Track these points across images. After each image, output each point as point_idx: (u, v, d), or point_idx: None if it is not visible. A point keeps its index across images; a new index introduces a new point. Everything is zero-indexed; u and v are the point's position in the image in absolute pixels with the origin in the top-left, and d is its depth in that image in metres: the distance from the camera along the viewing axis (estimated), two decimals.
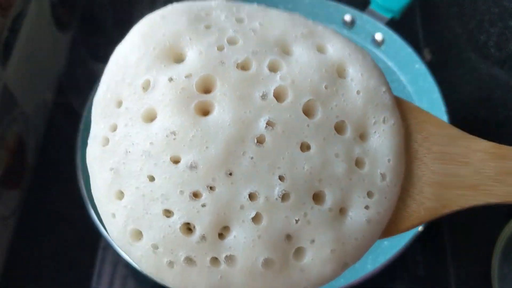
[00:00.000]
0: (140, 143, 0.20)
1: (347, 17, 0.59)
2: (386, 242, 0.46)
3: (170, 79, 0.20)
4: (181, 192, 0.19)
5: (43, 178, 0.54)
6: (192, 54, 0.21)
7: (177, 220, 0.19)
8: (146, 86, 0.21)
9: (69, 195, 0.51)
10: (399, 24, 0.59)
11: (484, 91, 0.55)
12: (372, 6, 0.59)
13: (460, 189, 0.22)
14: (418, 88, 0.55)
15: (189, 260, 0.20)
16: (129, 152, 0.20)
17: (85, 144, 0.54)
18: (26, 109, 0.53)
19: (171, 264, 0.20)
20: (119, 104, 0.21)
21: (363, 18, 0.58)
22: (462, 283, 0.47)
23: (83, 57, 0.63)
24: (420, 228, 0.44)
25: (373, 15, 0.58)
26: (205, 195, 0.19)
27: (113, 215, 0.21)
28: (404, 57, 0.56)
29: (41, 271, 0.49)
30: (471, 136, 0.23)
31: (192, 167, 0.19)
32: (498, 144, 0.23)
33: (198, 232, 0.19)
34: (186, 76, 0.20)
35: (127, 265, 0.49)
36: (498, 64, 0.55)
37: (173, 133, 0.20)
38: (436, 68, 0.56)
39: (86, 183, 0.48)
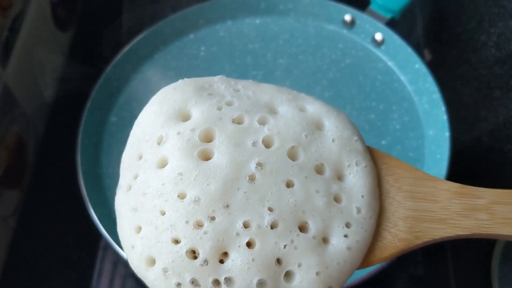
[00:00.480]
0: (155, 185, 0.24)
1: (347, 17, 0.59)
2: None
3: (178, 133, 0.25)
4: (187, 222, 0.23)
5: (43, 178, 0.54)
6: (196, 113, 0.26)
7: (183, 246, 0.23)
8: (160, 141, 0.25)
9: (69, 195, 0.51)
10: (399, 24, 0.59)
11: (484, 91, 0.55)
12: (372, 6, 0.59)
13: (430, 223, 0.25)
14: (418, 88, 0.55)
15: (194, 281, 0.23)
16: (146, 193, 0.24)
17: (85, 144, 0.54)
18: (26, 109, 0.53)
19: (179, 285, 0.23)
20: (140, 157, 0.26)
21: (363, 18, 0.58)
22: (462, 283, 0.47)
23: (83, 57, 0.63)
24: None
25: (373, 15, 0.58)
26: (207, 224, 0.23)
27: (133, 246, 0.25)
28: (404, 57, 0.56)
29: (41, 271, 0.49)
30: (436, 178, 0.27)
31: (196, 200, 0.23)
32: (461, 184, 0.26)
33: (201, 256, 0.23)
34: (191, 130, 0.25)
35: (127, 265, 0.49)
36: (498, 64, 0.55)
37: (180, 174, 0.24)
38: (436, 68, 0.56)
39: (86, 183, 0.48)
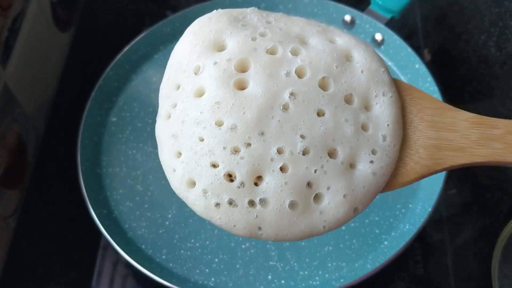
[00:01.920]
0: (193, 113, 0.26)
1: (347, 17, 0.59)
2: (386, 242, 0.46)
3: (215, 63, 0.26)
4: (224, 148, 0.25)
5: (43, 178, 0.54)
6: (231, 44, 0.27)
7: (221, 169, 0.25)
8: (197, 71, 0.27)
9: (69, 195, 0.51)
10: (399, 24, 0.59)
11: (484, 91, 0.55)
12: (372, 6, 0.59)
13: (449, 151, 0.27)
14: (418, 88, 0.55)
15: (231, 202, 0.25)
16: (185, 121, 0.26)
17: (85, 144, 0.54)
18: (26, 109, 0.53)
19: (218, 205, 0.25)
20: (178, 87, 0.27)
21: (363, 18, 0.58)
22: (462, 283, 0.47)
23: (83, 57, 0.63)
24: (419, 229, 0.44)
25: (373, 15, 0.58)
26: (243, 150, 0.25)
27: (174, 170, 0.26)
28: (404, 57, 0.56)
29: (41, 271, 0.49)
30: (457, 108, 0.28)
31: (233, 128, 0.25)
32: (479, 115, 0.27)
33: (238, 179, 0.25)
34: (227, 60, 0.26)
35: (127, 265, 0.49)
36: (498, 64, 0.55)
37: (218, 103, 0.25)
38: (436, 68, 0.56)
39: (86, 183, 0.48)
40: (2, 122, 0.49)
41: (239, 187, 0.25)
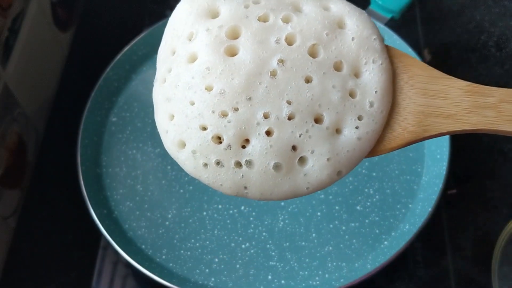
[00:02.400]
0: (185, 78, 0.27)
1: None
2: (386, 242, 0.46)
3: (207, 29, 0.27)
4: (213, 111, 0.26)
5: (43, 178, 0.54)
6: (224, 11, 0.27)
7: (209, 132, 0.26)
8: (190, 37, 0.27)
9: (69, 195, 0.51)
10: (399, 24, 0.59)
11: None
12: (372, 6, 0.59)
13: (439, 118, 0.27)
14: None
15: (218, 163, 0.26)
16: (178, 85, 0.27)
17: (85, 144, 0.54)
18: (26, 109, 0.53)
19: (205, 165, 0.26)
20: (173, 52, 0.28)
21: None
22: (462, 283, 0.47)
23: (83, 57, 0.63)
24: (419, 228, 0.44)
25: (373, 15, 0.58)
26: (231, 114, 0.26)
27: (167, 132, 0.27)
28: None
29: (41, 271, 0.49)
30: (450, 76, 0.28)
31: (221, 93, 0.26)
32: (473, 83, 0.27)
33: (225, 142, 0.26)
34: (219, 27, 0.27)
35: (127, 265, 0.49)
36: (498, 64, 0.55)
37: (208, 68, 0.26)
38: (436, 68, 0.56)
39: (86, 183, 0.48)
40: (2, 122, 0.49)
41: (226, 149, 0.26)
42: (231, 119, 0.26)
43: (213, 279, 0.45)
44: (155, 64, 0.55)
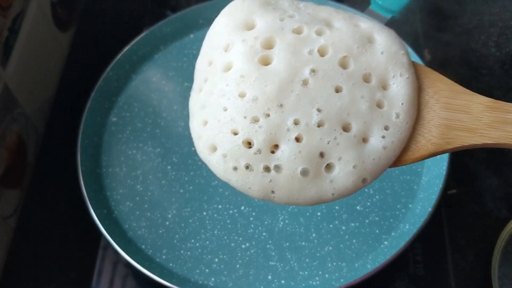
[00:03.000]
0: (220, 85, 0.28)
1: None
2: (386, 242, 0.46)
3: (243, 40, 0.28)
4: (245, 117, 0.27)
5: (43, 178, 0.54)
6: (260, 23, 0.29)
7: (240, 137, 0.27)
8: (226, 48, 0.29)
9: (69, 195, 0.51)
10: (399, 24, 0.59)
11: (484, 91, 0.55)
12: (372, 6, 0.58)
13: (461, 131, 0.28)
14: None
15: (248, 167, 0.27)
16: (213, 93, 0.28)
17: (85, 144, 0.54)
18: (26, 109, 0.53)
19: (235, 169, 0.27)
20: (210, 63, 0.30)
21: None
22: (462, 283, 0.47)
23: (83, 57, 0.63)
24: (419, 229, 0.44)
25: (373, 15, 0.58)
26: (262, 120, 0.27)
27: (200, 136, 0.29)
28: None
29: (41, 271, 0.49)
30: (473, 92, 0.29)
31: (254, 99, 0.27)
32: (495, 100, 0.28)
33: (255, 146, 0.27)
34: (254, 37, 0.28)
35: (127, 265, 0.49)
36: (498, 64, 0.55)
37: (242, 76, 0.27)
38: (436, 68, 0.56)
39: (86, 183, 0.48)
40: (2, 122, 0.49)
41: (255, 153, 0.27)
42: (262, 125, 0.27)
43: (213, 279, 0.45)
44: (155, 64, 0.55)
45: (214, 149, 0.28)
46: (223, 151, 0.27)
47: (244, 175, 0.27)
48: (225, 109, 0.27)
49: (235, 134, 0.27)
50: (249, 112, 0.27)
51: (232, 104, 0.27)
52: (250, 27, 0.29)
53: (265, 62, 0.28)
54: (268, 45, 0.28)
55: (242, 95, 0.27)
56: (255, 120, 0.27)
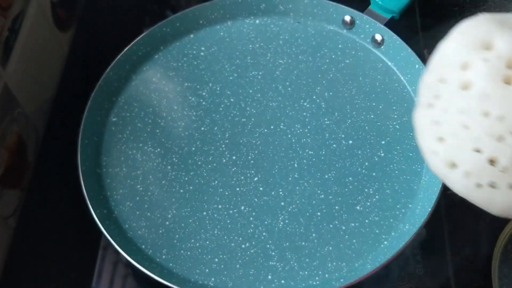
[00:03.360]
0: (458, 103, 0.28)
1: (347, 18, 0.59)
2: (386, 242, 0.46)
3: (484, 59, 0.28)
4: (489, 135, 0.27)
5: (43, 178, 0.54)
6: (500, 44, 0.29)
7: (485, 155, 0.27)
8: (463, 66, 0.29)
9: (69, 195, 0.51)
10: (399, 24, 0.59)
11: None
12: (372, 6, 0.59)
13: None
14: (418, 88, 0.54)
15: (492, 184, 0.27)
16: (448, 110, 0.29)
17: (85, 144, 0.54)
18: (26, 109, 0.53)
19: (478, 186, 0.28)
20: (442, 80, 0.30)
21: (363, 18, 0.58)
22: (462, 283, 0.47)
23: (83, 57, 0.63)
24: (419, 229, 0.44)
25: (373, 15, 0.58)
26: (509, 138, 0.27)
27: (436, 152, 0.29)
28: (404, 57, 0.56)
29: (41, 271, 0.49)
30: None
31: (500, 118, 0.27)
32: None
33: (500, 164, 0.27)
34: (497, 57, 0.28)
35: (127, 265, 0.49)
36: None
37: (486, 95, 0.27)
38: None
39: (86, 183, 0.48)
40: (2, 122, 0.49)
41: (501, 171, 0.27)
42: (509, 143, 0.27)
43: (213, 279, 0.45)
44: (155, 64, 0.54)
45: (453, 165, 0.29)
46: (465, 168, 0.28)
47: (487, 193, 0.28)
48: (467, 127, 0.28)
49: (478, 151, 0.27)
50: (495, 130, 0.27)
51: (474, 122, 0.28)
52: (487, 47, 0.29)
53: (508, 81, 0.28)
54: (511, 65, 0.28)
55: (486, 114, 0.27)
56: (501, 138, 0.27)
